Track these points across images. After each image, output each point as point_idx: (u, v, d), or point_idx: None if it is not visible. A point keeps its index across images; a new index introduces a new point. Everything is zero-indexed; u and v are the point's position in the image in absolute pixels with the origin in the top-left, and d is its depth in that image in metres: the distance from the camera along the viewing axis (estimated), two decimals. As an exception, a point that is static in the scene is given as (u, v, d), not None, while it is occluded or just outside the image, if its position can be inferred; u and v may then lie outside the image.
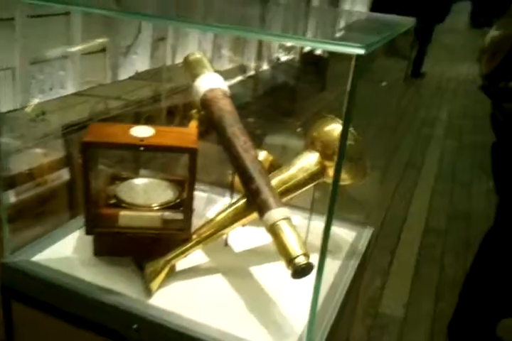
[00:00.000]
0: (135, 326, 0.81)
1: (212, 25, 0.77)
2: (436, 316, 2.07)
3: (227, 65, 3.50)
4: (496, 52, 1.53)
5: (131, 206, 0.94)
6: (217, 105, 1.00)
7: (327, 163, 0.98)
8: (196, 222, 0.92)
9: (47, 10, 2.02)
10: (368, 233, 1.11)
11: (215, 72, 1.08)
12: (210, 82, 1.04)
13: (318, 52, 4.80)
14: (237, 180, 1.03)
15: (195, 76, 1.07)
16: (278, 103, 3.15)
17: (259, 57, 3.83)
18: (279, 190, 0.94)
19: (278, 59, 4.22)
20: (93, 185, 0.88)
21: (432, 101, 5.50)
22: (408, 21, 1.00)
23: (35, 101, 1.87)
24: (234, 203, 0.95)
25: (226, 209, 0.94)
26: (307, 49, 4.56)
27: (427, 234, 2.74)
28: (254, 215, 0.93)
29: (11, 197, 1.59)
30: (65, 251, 0.96)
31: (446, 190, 3.35)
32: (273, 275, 0.95)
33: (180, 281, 0.91)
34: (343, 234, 1.11)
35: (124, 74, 2.62)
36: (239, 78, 3.43)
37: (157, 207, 0.95)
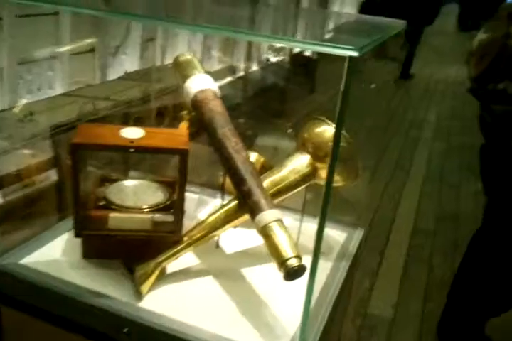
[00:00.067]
0: (125, 329, 0.81)
1: (204, 26, 0.76)
2: (424, 316, 2.07)
3: (216, 66, 3.50)
4: (484, 55, 1.54)
5: (120, 208, 0.93)
6: (207, 106, 0.99)
7: (318, 165, 0.98)
8: (187, 224, 0.92)
9: (35, 10, 2.01)
10: (358, 234, 1.11)
11: (205, 72, 1.08)
12: (200, 83, 1.03)
13: (307, 53, 4.81)
14: (228, 181, 1.02)
15: (185, 77, 1.06)
16: (268, 104, 3.15)
17: (249, 58, 3.83)
18: (270, 192, 0.93)
19: (267, 60, 4.22)
20: (82, 187, 0.87)
21: (420, 103, 5.53)
22: (399, 24, 1.00)
23: (23, 101, 1.85)
24: (225, 205, 0.94)
25: (217, 210, 0.93)
26: (296, 50, 4.57)
27: (416, 235, 2.75)
28: (246, 217, 0.93)
29: (-2, 199, 1.58)
30: (54, 254, 0.95)
31: (434, 192, 3.37)
32: (264, 276, 0.95)
33: (170, 284, 0.90)
34: (335, 235, 1.11)
35: (113, 75, 2.60)
36: (228, 79, 3.42)
37: (147, 209, 0.94)
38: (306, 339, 0.78)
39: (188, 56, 1.10)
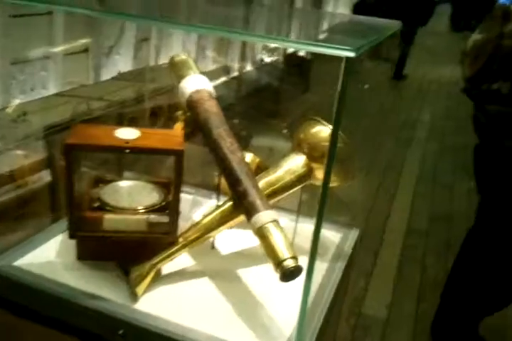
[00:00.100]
0: (121, 331, 0.80)
1: (200, 26, 0.76)
2: (418, 317, 2.08)
3: (211, 66, 3.49)
4: (478, 56, 1.54)
5: (115, 209, 0.92)
6: (203, 106, 0.99)
7: (314, 165, 0.98)
8: (182, 225, 0.91)
9: (29, 9, 1.99)
10: (354, 234, 1.11)
11: (200, 73, 1.07)
12: (195, 84, 1.03)
13: (301, 53, 4.82)
14: (223, 181, 1.02)
15: (180, 77, 1.06)
16: (262, 104, 3.15)
17: (243, 58, 3.83)
18: (266, 192, 0.93)
19: (262, 60, 4.23)
20: (76, 188, 0.87)
21: (413, 103, 5.55)
22: (394, 24, 1.00)
23: (16, 101, 1.84)
24: (220, 206, 0.94)
25: (213, 211, 0.93)
26: (290, 50, 4.57)
27: (409, 235, 2.76)
28: (241, 218, 0.93)
29: (-8, 199, 1.57)
30: (48, 256, 0.94)
31: (428, 192, 3.38)
32: (260, 277, 0.94)
33: (166, 285, 0.90)
34: (330, 235, 1.10)
35: (106, 75, 2.59)
36: (223, 79, 3.42)
37: (142, 210, 0.93)
38: (302, 340, 0.78)
39: (184, 56, 1.10)
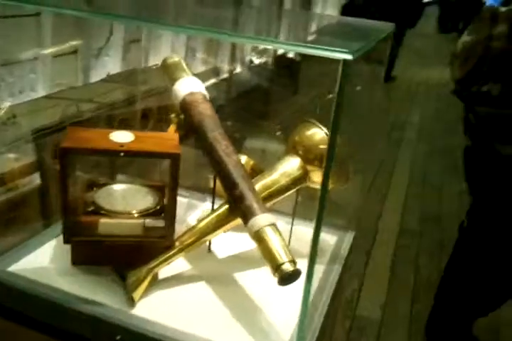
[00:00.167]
0: (118, 337, 0.79)
1: (194, 28, 0.75)
2: (413, 317, 2.09)
3: (200, 68, 3.48)
4: (468, 57, 1.55)
5: (110, 213, 0.91)
6: (197, 109, 0.98)
7: (309, 168, 0.98)
8: (177, 228, 0.91)
9: (17, 11, 1.97)
10: (349, 237, 1.11)
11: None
12: (189, 86, 1.02)
13: (290, 55, 4.82)
14: (218, 184, 1.02)
15: (173, 79, 1.05)
16: (252, 106, 3.14)
17: (233, 59, 3.82)
18: (262, 196, 0.93)
19: (251, 62, 4.22)
20: (70, 192, 0.86)
21: (402, 105, 5.58)
22: (388, 26, 1.01)
23: (7, 104, 1.82)
24: (216, 209, 0.93)
25: (209, 215, 0.92)
26: (280, 52, 4.58)
27: (402, 236, 2.77)
28: (238, 221, 0.92)
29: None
30: (42, 261, 0.93)
31: (419, 193, 3.40)
32: (258, 281, 0.94)
33: (163, 290, 0.89)
34: (326, 238, 1.10)
35: (95, 77, 2.58)
36: (212, 81, 3.41)
37: (137, 214, 0.93)
38: (302, 344, 0.78)
39: (176, 58, 1.09)
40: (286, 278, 0.76)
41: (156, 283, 0.89)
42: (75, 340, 0.83)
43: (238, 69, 3.99)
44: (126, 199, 0.97)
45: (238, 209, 0.86)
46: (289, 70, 4.47)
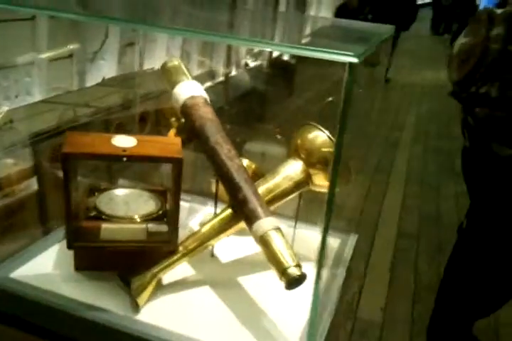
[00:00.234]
0: (123, 343, 0.79)
1: (193, 30, 0.75)
2: (414, 319, 2.09)
3: (196, 71, 3.48)
4: (465, 59, 1.56)
5: (112, 218, 0.91)
6: (198, 113, 0.98)
7: (312, 171, 0.98)
8: (180, 233, 0.90)
9: (12, 15, 1.96)
10: (352, 240, 1.11)
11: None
12: (190, 90, 1.02)
13: (285, 57, 4.83)
14: (220, 188, 1.01)
15: (173, 83, 1.04)
16: (249, 108, 3.14)
17: (229, 62, 3.82)
18: (265, 199, 0.92)
19: (247, 64, 4.23)
20: (73, 197, 0.85)
21: (397, 106, 5.60)
22: (388, 29, 1.01)
23: (5, 109, 1.81)
24: (219, 213, 0.93)
25: (212, 219, 0.92)
26: (275, 54, 4.58)
27: (400, 238, 2.77)
28: (241, 225, 0.92)
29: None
30: (45, 267, 0.92)
31: (417, 194, 3.40)
32: (262, 285, 0.94)
33: (167, 295, 0.88)
34: (329, 242, 1.10)
35: (91, 81, 2.57)
36: (208, 84, 3.41)
37: (140, 219, 0.92)
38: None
39: (176, 62, 1.09)
40: (293, 283, 0.76)
41: (159, 288, 0.88)
42: (79, 347, 0.83)
43: (234, 72, 3.99)
44: (128, 204, 0.96)
45: (242, 213, 0.86)
46: (284, 73, 4.48)
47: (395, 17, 5.11)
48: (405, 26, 5.82)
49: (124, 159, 0.81)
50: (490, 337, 1.99)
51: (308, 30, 1.04)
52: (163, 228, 0.89)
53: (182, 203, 1.14)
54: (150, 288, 0.85)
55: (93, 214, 0.92)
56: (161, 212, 0.95)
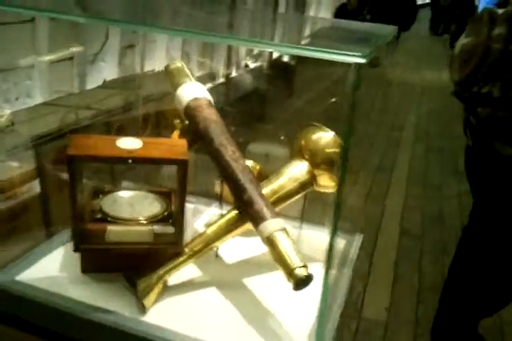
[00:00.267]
0: (130, 345, 0.79)
1: (200, 32, 0.75)
2: (418, 319, 2.09)
3: (196, 73, 3.48)
4: (467, 59, 1.56)
5: (118, 220, 0.90)
6: (202, 115, 0.98)
7: (316, 172, 0.98)
8: (185, 234, 0.90)
9: (12, 17, 1.97)
10: (357, 241, 1.11)
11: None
12: (193, 91, 1.02)
13: (285, 59, 4.84)
14: (224, 189, 1.01)
15: (176, 85, 1.05)
16: (249, 109, 3.15)
17: (229, 64, 3.83)
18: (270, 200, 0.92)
19: (246, 66, 4.23)
20: (78, 199, 0.85)
21: (397, 107, 5.60)
22: (390, 29, 1.01)
23: (7, 111, 1.81)
24: (225, 215, 0.93)
25: (217, 221, 0.92)
26: (275, 56, 4.59)
27: (404, 237, 2.77)
28: (247, 226, 0.92)
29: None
30: (51, 269, 0.92)
31: (419, 194, 3.40)
32: (268, 286, 0.94)
33: (173, 296, 0.88)
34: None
35: (91, 83, 2.57)
36: (209, 85, 3.41)
37: (145, 221, 0.92)
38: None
39: (179, 64, 1.09)
40: (300, 283, 0.76)
41: (165, 289, 0.88)
42: (86, 349, 0.83)
43: (234, 74, 3.99)
44: (133, 206, 0.96)
45: (248, 214, 0.86)
46: (284, 74, 4.48)
47: (394, 17, 5.11)
48: (405, 26, 5.82)
49: (130, 161, 0.81)
50: (495, 336, 1.99)
51: (310, 31, 1.04)
52: (169, 229, 0.88)
53: (186, 204, 1.15)
54: (156, 290, 0.85)
55: (98, 216, 0.92)
56: (166, 214, 0.95)
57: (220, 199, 1.00)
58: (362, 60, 0.61)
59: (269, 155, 1.38)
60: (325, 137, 0.97)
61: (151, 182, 1.17)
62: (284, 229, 0.81)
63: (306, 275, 0.75)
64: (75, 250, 0.86)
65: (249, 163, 1.08)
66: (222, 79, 3.74)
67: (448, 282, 1.85)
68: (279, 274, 0.79)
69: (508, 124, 1.50)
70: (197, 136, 0.98)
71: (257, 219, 0.83)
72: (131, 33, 2.80)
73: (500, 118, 1.52)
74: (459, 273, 1.80)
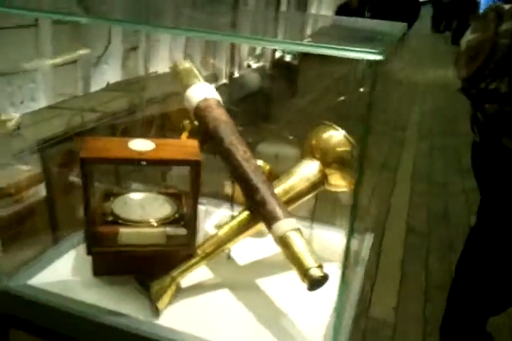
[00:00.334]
0: (146, 348, 0.78)
1: (208, 31, 0.75)
2: (426, 318, 2.08)
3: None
4: (474, 55, 1.55)
5: (130, 223, 0.90)
6: (211, 115, 0.98)
7: (328, 171, 0.97)
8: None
9: (15, 21, 1.97)
10: (369, 240, 1.10)
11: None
12: (203, 92, 1.02)
13: (287, 58, 4.83)
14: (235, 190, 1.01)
15: (185, 86, 1.04)
16: (254, 109, 3.14)
17: (232, 64, 3.83)
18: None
19: (249, 66, 4.23)
20: (91, 202, 0.84)
21: (401, 104, 5.59)
22: (400, 26, 1.00)
23: (17, 115, 1.81)
24: (237, 216, 0.92)
25: (229, 222, 0.91)
26: (278, 56, 4.59)
27: (410, 235, 2.76)
28: (259, 227, 0.91)
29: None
30: (62, 273, 0.92)
31: (424, 191, 3.39)
32: (280, 287, 0.93)
33: (186, 298, 0.88)
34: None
35: (95, 86, 2.57)
36: (212, 86, 3.40)
37: (157, 223, 0.91)
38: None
39: (187, 64, 1.09)
40: (315, 284, 0.75)
41: (178, 291, 0.87)
42: (102, 353, 0.82)
43: (236, 74, 3.99)
44: (144, 208, 0.95)
45: (260, 214, 0.85)
46: (286, 74, 4.48)
47: (395, 15, 5.08)
48: (408, 24, 5.80)
49: (143, 163, 0.80)
50: (504, 334, 1.98)
51: (320, 29, 1.03)
52: (182, 231, 0.88)
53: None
54: (169, 292, 0.84)
55: (110, 219, 0.91)
56: (177, 216, 0.94)
57: (231, 200, 1.00)
58: (379, 57, 0.60)
59: (278, 155, 1.37)
60: (336, 136, 0.97)
61: (156, 183, 1.17)
62: (298, 229, 0.81)
63: (321, 276, 0.74)
64: (88, 253, 0.85)
65: (259, 163, 1.07)
66: (224, 80, 3.74)
67: (456, 280, 1.84)
68: (291, 275, 0.78)
69: (517, 120, 1.49)
70: (207, 136, 0.97)
71: (270, 220, 0.83)
72: (134, 36, 2.80)
73: (507, 114, 1.51)
74: (466, 271, 1.79)
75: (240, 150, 0.91)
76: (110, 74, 2.73)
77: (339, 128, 0.97)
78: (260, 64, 4.39)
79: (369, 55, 0.60)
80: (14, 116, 1.73)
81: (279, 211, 0.83)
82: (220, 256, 0.95)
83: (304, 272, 0.75)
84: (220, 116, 0.97)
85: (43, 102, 2.21)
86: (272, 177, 1.03)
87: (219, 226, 0.94)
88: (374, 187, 3.30)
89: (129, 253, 0.87)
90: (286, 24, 1.14)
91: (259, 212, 0.86)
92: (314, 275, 0.74)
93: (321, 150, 0.98)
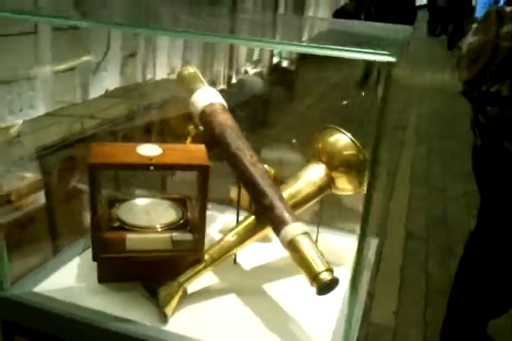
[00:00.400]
0: (154, 355, 0.77)
1: (213, 34, 0.74)
2: (426, 322, 2.07)
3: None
4: (475, 58, 1.55)
5: (136, 228, 0.89)
6: (217, 120, 0.97)
7: (334, 174, 0.97)
8: (203, 241, 0.89)
9: (14, 29, 1.96)
10: (374, 244, 1.10)
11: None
12: (208, 97, 1.01)
13: (284, 64, 4.85)
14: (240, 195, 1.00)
15: (190, 91, 1.04)
16: (253, 114, 3.14)
17: (230, 70, 3.83)
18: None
19: (246, 72, 4.23)
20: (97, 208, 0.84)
21: (398, 108, 5.59)
22: (406, 29, 1.00)
23: (19, 122, 1.80)
24: (243, 221, 0.92)
25: (236, 227, 0.91)
26: (275, 61, 4.60)
27: (409, 240, 2.76)
28: (265, 232, 0.91)
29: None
30: (68, 280, 0.91)
31: (424, 195, 3.39)
32: (287, 291, 0.92)
33: (193, 304, 0.87)
34: (352, 245, 1.08)
35: (93, 93, 2.56)
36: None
37: (162, 228, 0.91)
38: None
39: (192, 70, 1.08)
40: (325, 288, 0.74)
41: (185, 297, 0.87)
42: (110, 360, 0.81)
43: (234, 80, 4.00)
44: (149, 214, 0.95)
45: (268, 218, 0.85)
46: (284, 79, 4.49)
47: (391, 19, 5.11)
48: (405, 28, 5.82)
49: (151, 168, 0.80)
50: (506, 336, 1.97)
51: (327, 31, 1.03)
52: (188, 236, 0.87)
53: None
54: (177, 298, 0.84)
55: (116, 224, 0.90)
56: (182, 221, 0.93)
57: (237, 205, 0.99)
58: (393, 59, 0.60)
59: (282, 160, 1.37)
60: (342, 139, 0.96)
61: (157, 189, 1.16)
62: (306, 233, 0.80)
63: (330, 280, 0.73)
64: (94, 259, 0.84)
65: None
66: (223, 86, 3.75)
67: (456, 284, 1.83)
68: (298, 279, 0.78)
69: (518, 123, 1.49)
70: (213, 141, 0.97)
71: (278, 224, 0.82)
72: (133, 42, 2.80)
73: (509, 117, 1.51)
74: (466, 275, 1.78)
75: (247, 155, 0.91)
76: (109, 80, 2.72)
77: (345, 132, 0.97)
78: (258, 70, 4.40)
79: (382, 57, 0.60)
80: (15, 122, 1.72)
81: (287, 215, 0.82)
82: (226, 261, 0.94)
83: (314, 276, 0.75)
84: (225, 121, 0.97)
85: (41, 110, 2.20)
86: (277, 181, 1.02)
87: (223, 232, 0.93)
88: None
89: (135, 259, 0.86)
90: (290, 26, 1.14)
91: (267, 217, 0.85)
92: (323, 279, 0.74)
93: (327, 153, 0.97)
